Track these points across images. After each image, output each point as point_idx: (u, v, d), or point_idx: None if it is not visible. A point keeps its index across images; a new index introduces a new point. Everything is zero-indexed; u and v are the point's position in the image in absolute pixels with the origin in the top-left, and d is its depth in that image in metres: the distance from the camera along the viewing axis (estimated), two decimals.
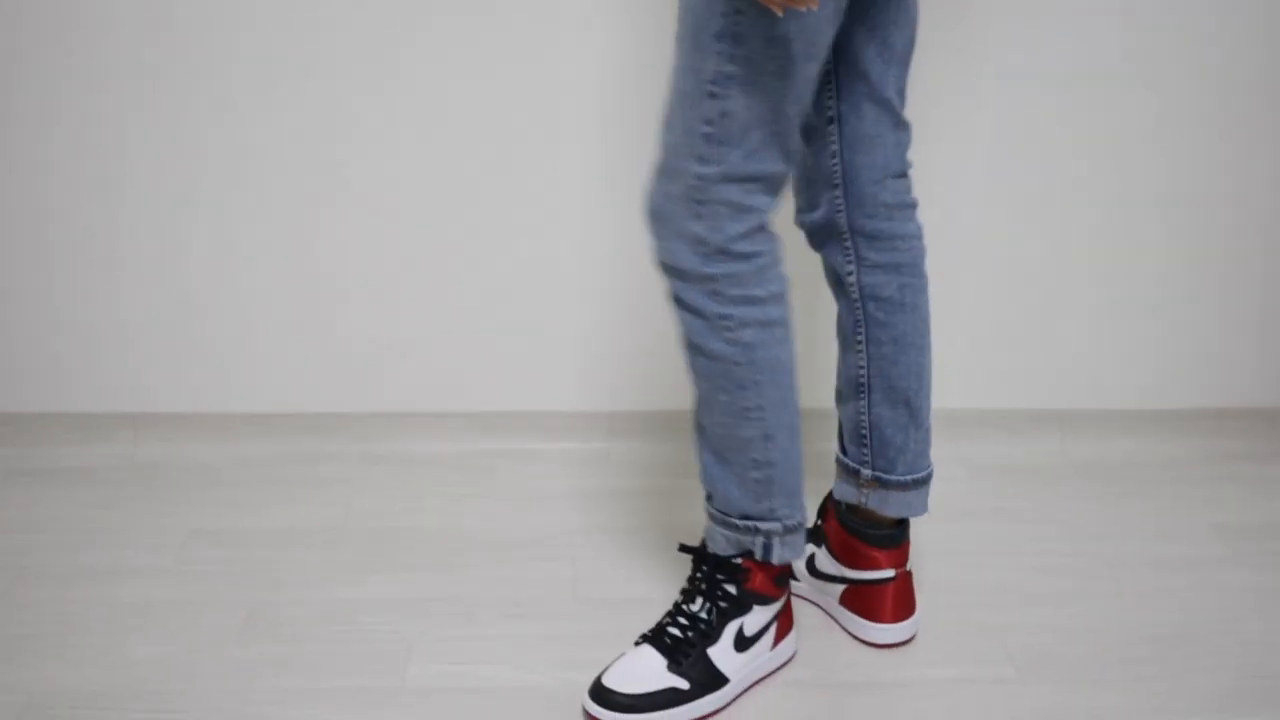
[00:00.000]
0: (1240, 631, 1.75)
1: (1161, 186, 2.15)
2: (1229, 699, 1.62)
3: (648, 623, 1.75)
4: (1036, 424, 2.25)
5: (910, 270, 1.60)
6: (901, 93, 1.55)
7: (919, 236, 1.61)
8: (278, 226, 2.10)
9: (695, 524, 1.99)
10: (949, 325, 2.21)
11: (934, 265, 2.15)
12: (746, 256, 1.43)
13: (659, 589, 1.82)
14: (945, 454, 2.22)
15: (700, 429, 1.55)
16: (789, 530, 1.56)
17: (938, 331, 2.20)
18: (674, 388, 2.21)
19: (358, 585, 1.82)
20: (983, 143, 2.11)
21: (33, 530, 1.95)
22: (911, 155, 2.08)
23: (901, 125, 1.57)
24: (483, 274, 2.14)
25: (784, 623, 1.63)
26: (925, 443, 1.66)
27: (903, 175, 1.59)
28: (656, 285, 2.15)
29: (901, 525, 1.70)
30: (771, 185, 1.43)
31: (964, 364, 2.23)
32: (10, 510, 2.00)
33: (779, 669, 1.64)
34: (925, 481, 1.67)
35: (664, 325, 2.17)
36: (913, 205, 1.61)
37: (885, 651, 1.69)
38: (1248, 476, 2.17)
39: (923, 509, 1.69)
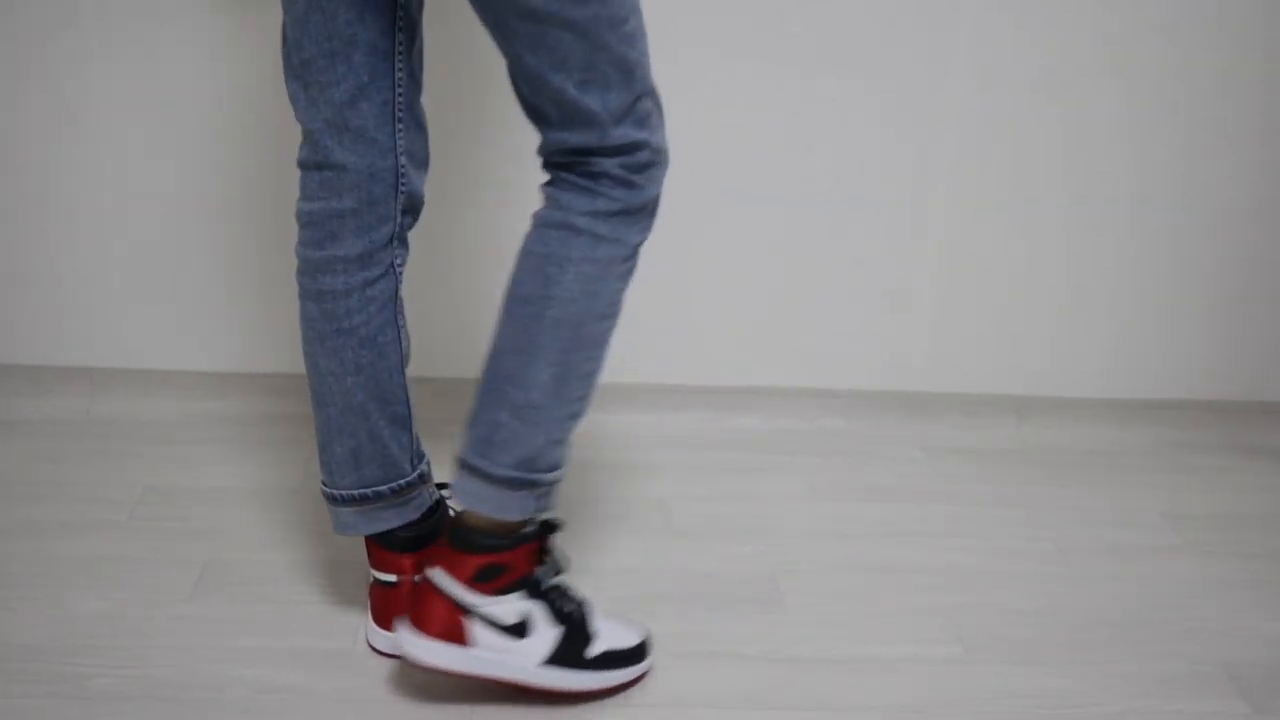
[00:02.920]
0: (1188, 619, 1.78)
1: (1125, 184, 2.16)
2: (1174, 684, 1.64)
3: (600, 592, 1.76)
4: (994, 409, 2.27)
5: None
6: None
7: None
8: (246, 182, 2.08)
9: (651, 497, 2.00)
10: (912, 312, 2.22)
11: (897, 253, 2.17)
12: None
13: (611, 559, 1.83)
14: (903, 436, 2.23)
15: None
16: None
17: (902, 317, 2.21)
18: (634, 361, 2.21)
19: (313, 547, 1.81)
20: (951, 134, 2.12)
21: None
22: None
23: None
24: (446, 242, 2.13)
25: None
26: None
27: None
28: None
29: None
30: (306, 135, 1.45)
31: (926, 348, 2.25)
32: None
33: None
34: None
35: (628, 300, 2.18)
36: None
37: (836, 628, 1.71)
38: (1198, 467, 2.20)
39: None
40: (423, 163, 1.50)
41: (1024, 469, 2.16)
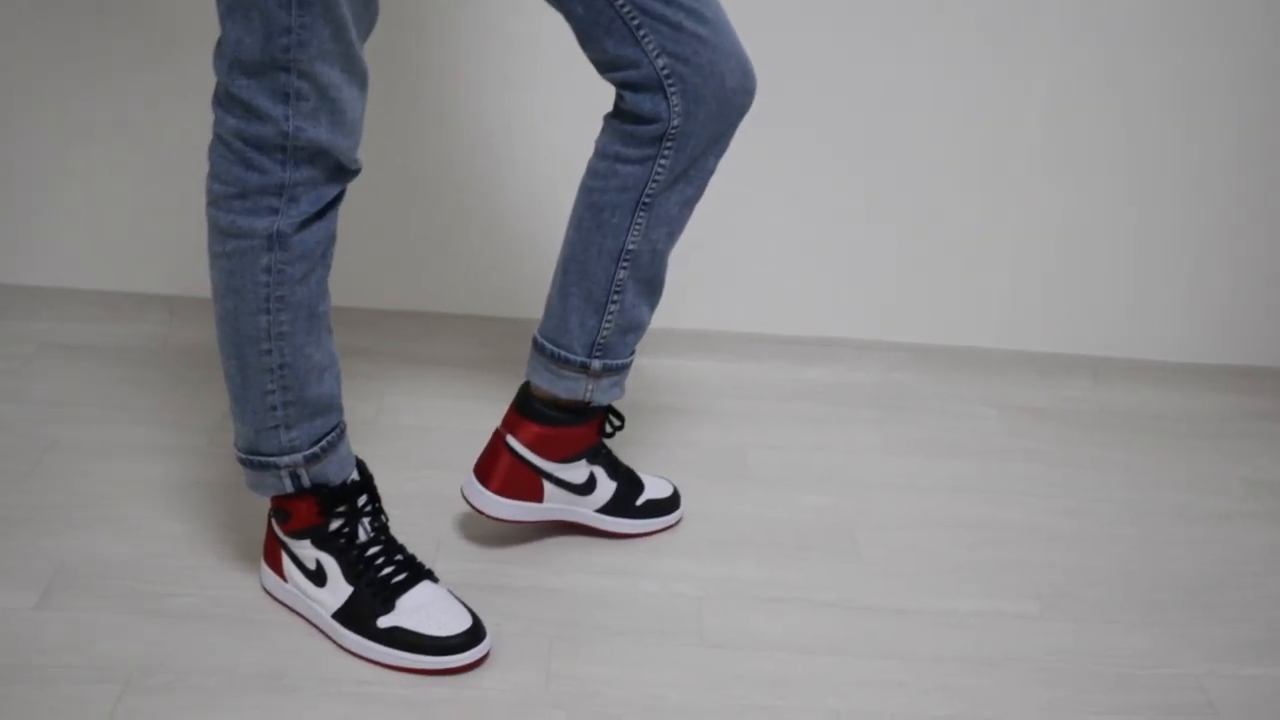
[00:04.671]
0: (1263, 585, 1.76)
1: (1204, 145, 2.13)
2: (1244, 649, 1.63)
3: (675, 534, 1.76)
4: (1069, 369, 2.25)
5: None
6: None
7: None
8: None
9: (727, 444, 1.99)
10: (989, 267, 2.20)
11: (974, 210, 2.14)
12: None
13: (688, 504, 1.82)
14: (975, 392, 2.21)
15: None
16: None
17: (976, 271, 2.20)
18: (707, 308, 2.21)
19: (388, 480, 1.81)
20: (1034, 94, 2.09)
21: (65, 404, 1.94)
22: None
23: None
24: (519, 182, 2.12)
25: None
26: None
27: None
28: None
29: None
30: None
31: (1001, 305, 2.23)
32: (43, 382, 2.00)
33: None
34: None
35: (702, 245, 2.16)
36: None
37: (912, 581, 1.70)
38: (1277, 434, 2.17)
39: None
40: (696, 63, 1.45)
41: (1099, 430, 2.13)
